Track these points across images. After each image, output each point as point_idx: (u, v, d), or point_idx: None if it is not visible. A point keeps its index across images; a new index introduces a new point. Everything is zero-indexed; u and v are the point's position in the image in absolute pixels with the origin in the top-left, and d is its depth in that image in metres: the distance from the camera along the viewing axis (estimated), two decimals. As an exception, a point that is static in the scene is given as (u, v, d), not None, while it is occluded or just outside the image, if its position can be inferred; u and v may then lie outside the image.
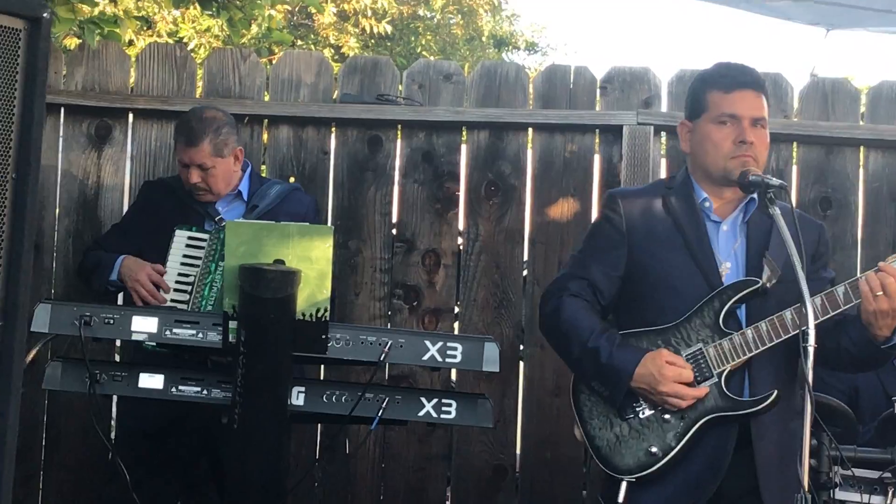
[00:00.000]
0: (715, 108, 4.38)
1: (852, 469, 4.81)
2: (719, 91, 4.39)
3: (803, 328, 3.96)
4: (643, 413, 4.32)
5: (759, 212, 4.39)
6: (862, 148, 6.33)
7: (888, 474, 4.80)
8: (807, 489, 3.90)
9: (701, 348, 4.30)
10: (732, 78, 4.42)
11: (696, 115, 4.44)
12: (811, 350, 3.93)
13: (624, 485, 4.28)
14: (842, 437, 4.89)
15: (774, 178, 4.25)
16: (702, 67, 6.10)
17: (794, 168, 6.35)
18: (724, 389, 4.27)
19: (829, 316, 4.20)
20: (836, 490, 4.76)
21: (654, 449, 4.28)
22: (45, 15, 3.42)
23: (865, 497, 4.82)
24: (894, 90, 6.35)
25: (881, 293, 4.12)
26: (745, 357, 4.27)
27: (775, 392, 4.18)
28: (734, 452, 4.28)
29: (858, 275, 4.23)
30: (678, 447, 4.27)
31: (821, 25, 4.90)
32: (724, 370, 4.28)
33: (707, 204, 4.43)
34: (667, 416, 4.30)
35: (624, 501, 4.26)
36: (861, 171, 6.34)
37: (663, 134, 6.33)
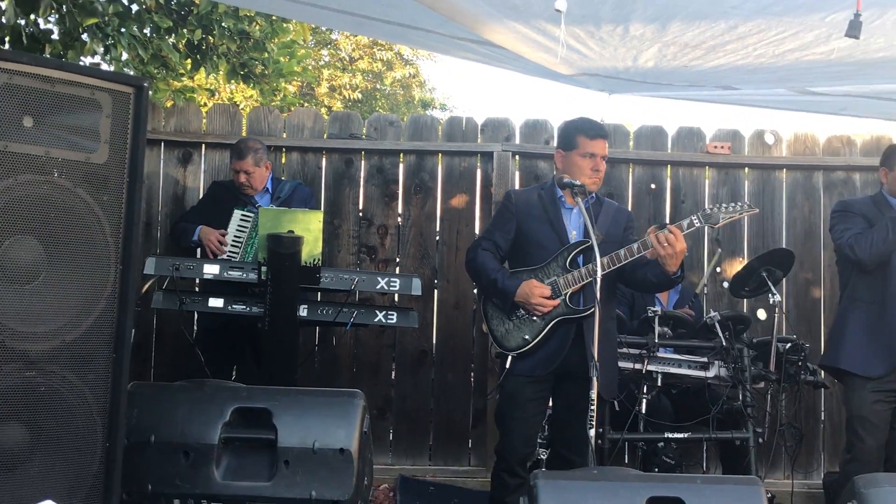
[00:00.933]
0: (583, 148, 4.36)
1: (626, 348, 4.89)
2: (586, 137, 4.38)
3: (600, 270, 4.07)
4: (522, 315, 4.35)
5: (592, 204, 4.43)
6: (630, 164, 6.35)
7: (644, 350, 4.89)
8: (596, 360, 3.97)
9: (556, 279, 4.34)
10: (594, 130, 4.40)
11: (569, 149, 4.42)
12: (598, 280, 3.99)
13: (510, 358, 4.32)
14: (619, 330, 4.95)
15: (577, 181, 4.28)
16: (539, 117, 6.16)
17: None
18: (568, 303, 4.31)
19: (629, 260, 4.26)
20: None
21: (527, 337, 4.32)
22: (145, 84, 3.38)
23: (632, 364, 4.90)
24: (649, 129, 6.39)
25: (668, 244, 4.16)
26: (580, 284, 4.31)
27: (594, 305, 4.24)
28: (573, 340, 4.32)
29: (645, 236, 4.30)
30: (541, 336, 4.32)
31: (605, 91, 4.91)
32: (568, 291, 4.32)
33: (562, 199, 4.45)
34: (535, 318, 4.33)
35: (509, 367, 4.31)
36: (630, 177, 6.37)
37: (517, 157, 6.30)
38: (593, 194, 4.45)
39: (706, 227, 4.38)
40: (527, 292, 4.30)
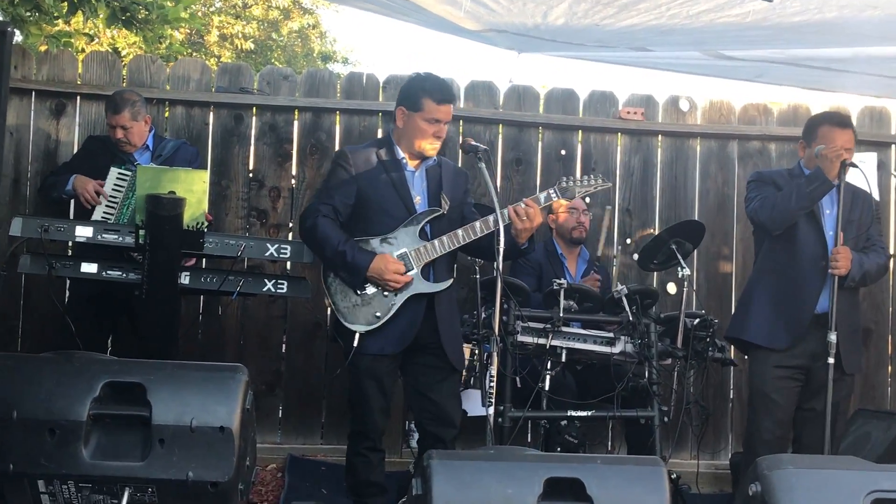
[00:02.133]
0: (428, 112, 4.35)
1: (529, 322, 4.94)
2: (433, 101, 4.35)
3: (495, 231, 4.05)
4: (370, 291, 4.32)
5: (433, 166, 4.45)
6: (540, 128, 6.39)
7: (549, 325, 4.94)
8: (497, 334, 4.00)
9: (406, 251, 4.33)
10: (442, 94, 4.37)
11: (413, 109, 4.38)
12: (501, 250, 4.00)
13: (357, 335, 4.29)
14: (522, 303, 5.01)
15: (481, 145, 4.28)
16: (445, 76, 6.12)
17: (500, 140, 6.37)
18: (421, 277, 4.32)
19: (486, 233, 4.31)
20: (518, 335, 4.90)
21: (378, 313, 4.31)
22: (8, 29, 3.25)
23: (534, 339, 4.95)
24: (560, 92, 6.45)
25: (526, 218, 4.21)
26: (432, 258, 4.32)
27: (450, 280, 4.27)
28: (425, 314, 4.34)
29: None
30: (392, 312, 4.31)
31: (514, 49, 4.92)
32: (420, 265, 4.33)
33: (404, 161, 4.43)
34: (386, 294, 4.31)
35: (358, 345, 4.29)
36: (539, 142, 6.41)
37: (420, 117, 6.29)
38: (432, 158, 4.46)
39: (578, 198, 4.52)
40: (381, 267, 4.27)
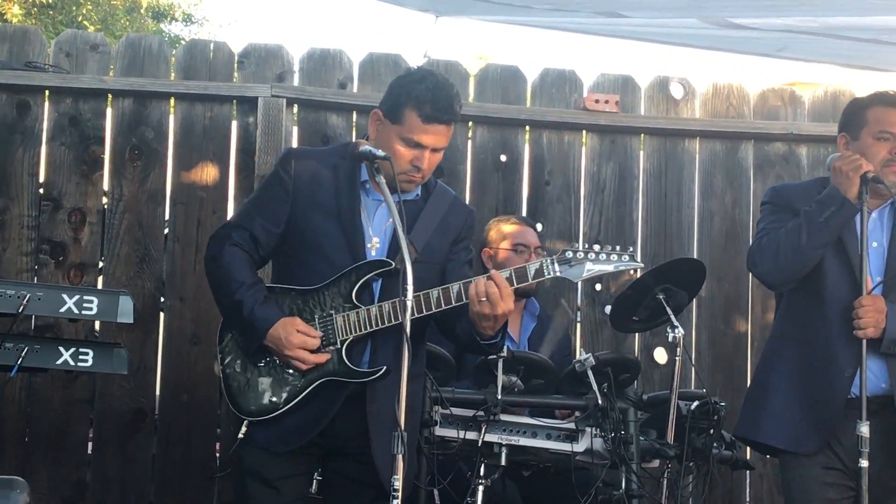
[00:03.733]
0: (409, 130, 4.30)
1: (451, 408, 4.95)
2: (418, 116, 4.30)
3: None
4: (272, 364, 4.35)
5: (414, 199, 4.44)
6: (470, 123, 6.46)
7: (481, 412, 4.95)
8: (402, 428, 3.99)
9: (332, 315, 4.33)
10: (436, 108, 4.30)
11: (392, 120, 4.33)
12: (409, 304, 4.01)
13: (245, 425, 4.34)
14: (442, 379, 5.02)
15: (379, 150, 4.28)
16: (331, 46, 6.17)
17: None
18: (344, 357, 4.31)
19: (442, 309, 4.28)
20: (436, 427, 4.90)
21: (274, 399, 4.32)
22: None
23: (461, 433, 4.97)
24: (499, 71, 6.53)
25: (485, 299, 4.22)
26: (368, 331, 4.33)
27: (385, 367, 4.26)
28: (345, 405, 4.34)
29: (475, 277, 4.30)
30: (294, 402, 4.32)
31: (430, 12, 4.97)
32: (346, 339, 4.32)
33: (368, 186, 4.40)
34: (290, 372, 4.33)
35: (245, 434, 4.33)
36: (469, 143, 6.48)
37: (295, 106, 6.32)
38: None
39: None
40: (281, 336, 4.26)
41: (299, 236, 4.41)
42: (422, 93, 4.31)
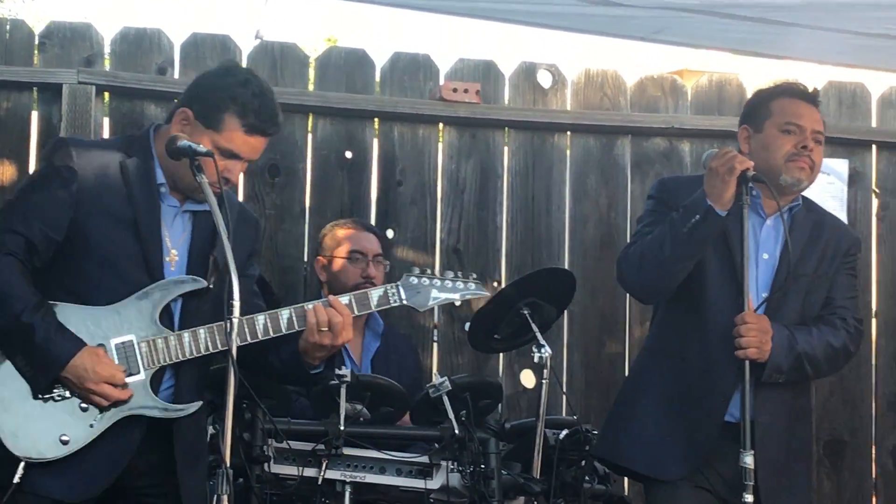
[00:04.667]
0: (227, 140, 4.25)
1: (287, 441, 4.94)
2: (241, 127, 4.26)
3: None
4: (61, 397, 4.20)
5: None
6: (311, 114, 6.47)
7: (321, 446, 4.95)
8: (228, 465, 3.98)
9: (133, 340, 4.25)
10: (259, 124, 4.27)
11: (206, 124, 4.26)
12: (235, 322, 3.99)
13: (22, 465, 4.14)
14: (277, 409, 5.01)
15: (200, 145, 4.23)
16: (146, 25, 6.12)
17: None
18: (150, 389, 4.24)
19: (269, 337, 4.27)
20: (271, 463, 4.89)
21: (66, 437, 4.19)
22: None
23: (299, 470, 4.95)
24: (343, 56, 6.53)
25: (326, 329, 4.23)
26: (173, 361, 4.26)
27: (198, 403, 4.25)
28: (144, 442, 4.26)
29: (304, 303, 4.32)
30: (91, 439, 4.22)
31: (261, -8, 4.96)
32: (151, 371, 4.23)
33: (163, 190, 4.33)
34: (85, 406, 4.24)
35: (21, 479, 4.14)
36: (309, 137, 6.48)
37: (106, 94, 6.26)
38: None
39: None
40: (87, 367, 4.14)
41: (81, 246, 4.27)
42: (247, 99, 4.28)
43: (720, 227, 4.73)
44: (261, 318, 4.27)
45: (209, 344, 4.23)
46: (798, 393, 5.05)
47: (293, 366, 4.34)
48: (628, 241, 6.35)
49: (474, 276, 4.59)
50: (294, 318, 4.26)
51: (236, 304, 4.01)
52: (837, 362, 5.12)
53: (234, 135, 4.26)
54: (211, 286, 4.21)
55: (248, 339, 4.24)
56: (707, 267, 4.84)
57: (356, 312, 4.33)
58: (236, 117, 4.25)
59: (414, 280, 4.45)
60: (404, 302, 4.44)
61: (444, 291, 4.49)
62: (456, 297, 4.54)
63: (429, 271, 4.50)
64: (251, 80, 4.36)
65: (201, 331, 4.25)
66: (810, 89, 5.07)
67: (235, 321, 4.00)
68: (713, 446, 4.80)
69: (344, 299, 4.31)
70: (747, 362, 4.67)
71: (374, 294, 4.39)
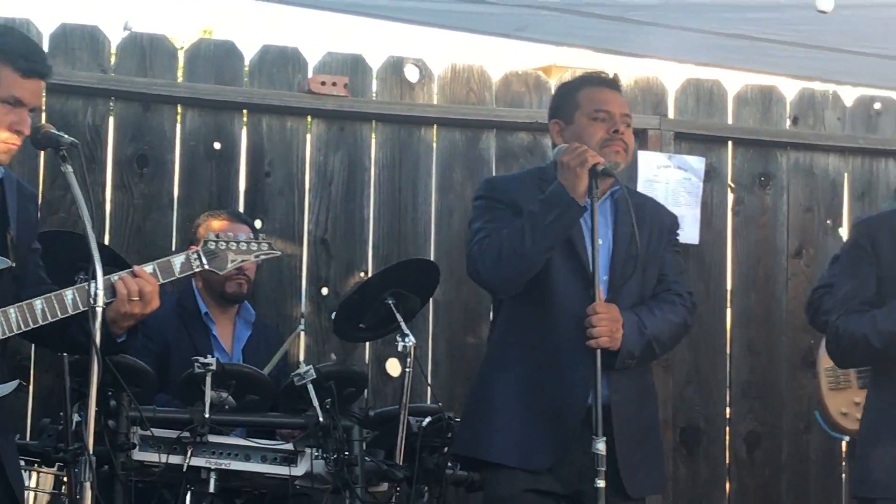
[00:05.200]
0: (6, 87, 4.11)
1: (151, 429, 4.92)
2: (16, 72, 4.12)
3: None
4: None
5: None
6: (179, 106, 6.44)
7: (186, 434, 4.94)
8: (91, 452, 3.96)
9: None
10: (31, 66, 4.16)
11: None
12: (99, 312, 3.96)
13: None
14: (143, 396, 4.99)
15: (66, 136, 4.22)
16: (14, 16, 6.05)
17: (111, 124, 6.35)
18: None
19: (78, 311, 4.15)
20: (136, 451, 4.87)
21: None
22: None
23: (164, 457, 4.94)
24: (212, 49, 6.51)
25: (137, 298, 4.19)
26: None
27: (15, 383, 4.15)
28: None
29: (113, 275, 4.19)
30: None
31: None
32: None
33: None
34: None
35: None
36: (178, 128, 6.45)
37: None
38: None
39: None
40: None
41: None
42: (13, 46, 4.19)
43: (580, 216, 4.83)
44: (37, 303, 4.14)
45: (20, 322, 4.11)
46: (643, 372, 5.15)
47: (105, 335, 4.15)
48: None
49: (264, 236, 4.66)
50: (77, 297, 4.13)
51: (101, 292, 4.00)
52: (679, 337, 5.28)
53: (13, 82, 4.16)
54: (13, 265, 4.16)
55: (69, 311, 4.14)
56: (552, 259, 4.91)
57: (160, 280, 4.26)
58: (10, 65, 4.15)
59: (212, 245, 4.44)
60: (206, 266, 4.41)
61: (240, 254, 4.50)
62: (251, 258, 4.54)
63: (222, 235, 4.51)
64: (11, 30, 4.38)
65: (13, 311, 4.13)
66: (611, 76, 5.21)
67: (99, 310, 3.99)
68: (579, 432, 4.85)
69: (148, 268, 4.28)
70: (599, 351, 4.75)
71: (177, 261, 4.36)
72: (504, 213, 4.97)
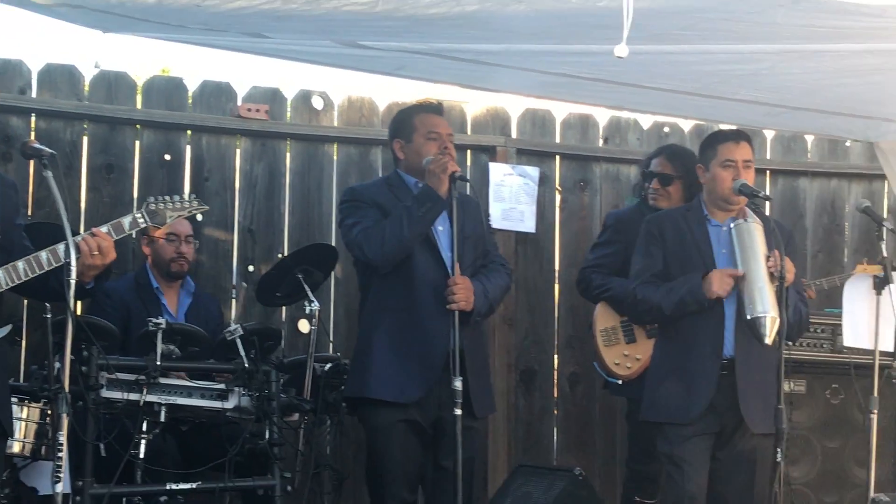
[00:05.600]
0: None
1: (116, 373, 4.94)
2: None
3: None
4: None
5: None
6: (138, 126, 6.42)
7: (143, 377, 4.96)
8: (68, 391, 3.97)
9: None
10: None
11: None
12: (73, 282, 4.00)
13: None
14: (108, 349, 4.99)
15: (46, 148, 4.21)
16: (10, 57, 5.98)
17: (86, 140, 6.33)
18: None
19: (54, 267, 4.14)
20: (103, 390, 4.88)
21: None
22: None
23: (125, 395, 4.95)
24: (164, 82, 6.52)
25: (97, 253, 4.19)
26: None
27: (8, 327, 4.18)
28: None
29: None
30: None
31: (97, 28, 4.92)
32: None
33: None
34: None
35: None
36: (137, 143, 6.42)
37: (-22, 109, 6.12)
38: None
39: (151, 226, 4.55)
40: None
41: None
42: None
43: (444, 209, 5.02)
44: (20, 265, 4.14)
45: (5, 280, 4.12)
46: (480, 324, 5.31)
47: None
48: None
49: (195, 195, 4.74)
50: (50, 257, 4.14)
51: (73, 267, 4.01)
52: (505, 295, 5.51)
53: None
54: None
55: (45, 268, 4.14)
56: None
57: (115, 237, 4.30)
58: None
59: (153, 206, 4.51)
60: (150, 223, 4.48)
61: (176, 211, 4.56)
62: (185, 213, 4.63)
63: (160, 197, 4.57)
64: None
65: (0, 272, 4.13)
66: (437, 103, 5.45)
67: (73, 282, 4.00)
68: (440, 373, 4.97)
69: (104, 228, 4.30)
70: (457, 311, 4.88)
71: (126, 220, 4.40)
72: (368, 209, 5.12)
